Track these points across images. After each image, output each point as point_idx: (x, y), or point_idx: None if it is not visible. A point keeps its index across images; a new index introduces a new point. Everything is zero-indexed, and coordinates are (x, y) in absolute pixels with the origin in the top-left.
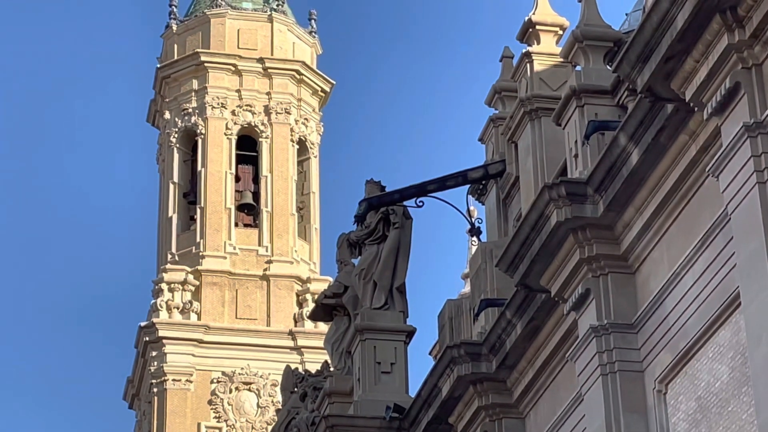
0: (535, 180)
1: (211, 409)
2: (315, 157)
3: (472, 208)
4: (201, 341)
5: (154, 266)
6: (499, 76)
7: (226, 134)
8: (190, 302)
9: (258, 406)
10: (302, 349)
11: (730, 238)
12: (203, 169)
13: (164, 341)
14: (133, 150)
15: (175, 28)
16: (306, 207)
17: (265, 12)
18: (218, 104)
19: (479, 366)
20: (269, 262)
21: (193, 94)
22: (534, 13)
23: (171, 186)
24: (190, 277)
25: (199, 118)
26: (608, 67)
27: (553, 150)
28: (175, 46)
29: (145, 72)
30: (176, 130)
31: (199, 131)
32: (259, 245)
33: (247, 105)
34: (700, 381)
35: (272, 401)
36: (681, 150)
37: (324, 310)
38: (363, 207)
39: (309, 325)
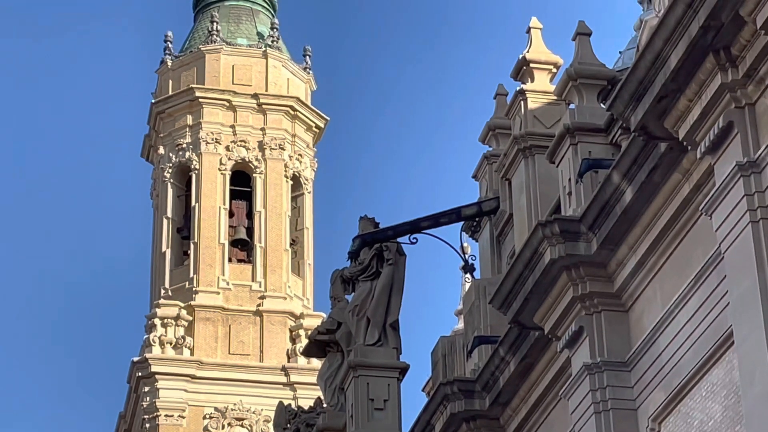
0: (529, 217)
1: None
2: (309, 192)
3: (465, 245)
4: (194, 377)
5: (147, 301)
6: (493, 113)
7: (220, 170)
8: (183, 337)
9: None
10: (295, 385)
11: (723, 276)
12: (197, 205)
13: (157, 376)
14: (127, 185)
15: (170, 63)
16: (299, 243)
17: (260, 48)
18: (212, 140)
19: (472, 403)
20: (262, 297)
21: (187, 129)
22: (528, 51)
23: (165, 221)
24: (183, 312)
25: (194, 154)
26: (602, 105)
27: (547, 187)
28: (170, 81)
29: (139, 107)
30: (170, 165)
31: (193, 166)
32: (253, 281)
33: (241, 140)
34: (694, 419)
35: None
36: (674, 188)
37: (317, 346)
38: (356, 243)
39: (302, 361)
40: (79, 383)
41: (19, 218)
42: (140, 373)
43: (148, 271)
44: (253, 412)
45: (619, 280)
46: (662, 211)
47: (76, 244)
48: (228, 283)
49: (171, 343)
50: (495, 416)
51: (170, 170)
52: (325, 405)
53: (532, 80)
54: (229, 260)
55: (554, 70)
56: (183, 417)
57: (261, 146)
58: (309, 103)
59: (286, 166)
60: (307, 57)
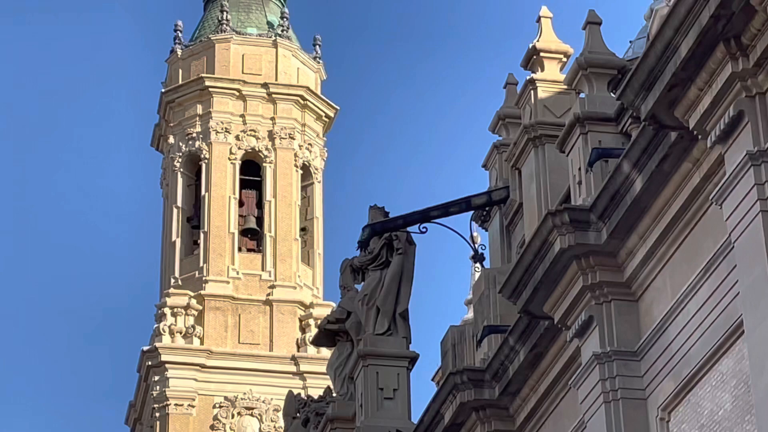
0: (539, 207)
1: None
2: (319, 182)
3: (475, 234)
4: (203, 366)
5: (157, 291)
6: (503, 102)
7: (230, 159)
8: (193, 327)
9: (260, 431)
10: (305, 375)
11: (733, 266)
12: (207, 194)
13: (167, 366)
14: (136, 174)
15: (179, 53)
16: (309, 232)
17: (270, 37)
18: (222, 129)
19: (482, 392)
20: (272, 287)
21: (197, 118)
22: (538, 40)
23: (174, 210)
24: (193, 301)
25: (203, 143)
26: (612, 94)
27: (557, 177)
28: (180, 71)
29: (149, 97)
30: (180, 154)
31: (203, 156)
32: (263, 270)
33: (251, 130)
34: (703, 409)
35: (274, 426)
36: (684, 178)
37: (327, 336)
38: (366, 233)
39: (312, 350)
40: (89, 372)
41: (28, 209)
42: (150, 363)
43: (158, 260)
44: (263, 402)
45: (629, 269)
46: (672, 200)
47: (86, 233)
48: (238, 273)
49: (181, 333)
50: (504, 406)
51: (180, 160)
52: (334, 394)
53: (542, 69)
54: (239, 249)
55: (564, 59)
56: (193, 406)
57: (271, 136)
58: (319, 92)
59: (296, 155)
60: (317, 46)
